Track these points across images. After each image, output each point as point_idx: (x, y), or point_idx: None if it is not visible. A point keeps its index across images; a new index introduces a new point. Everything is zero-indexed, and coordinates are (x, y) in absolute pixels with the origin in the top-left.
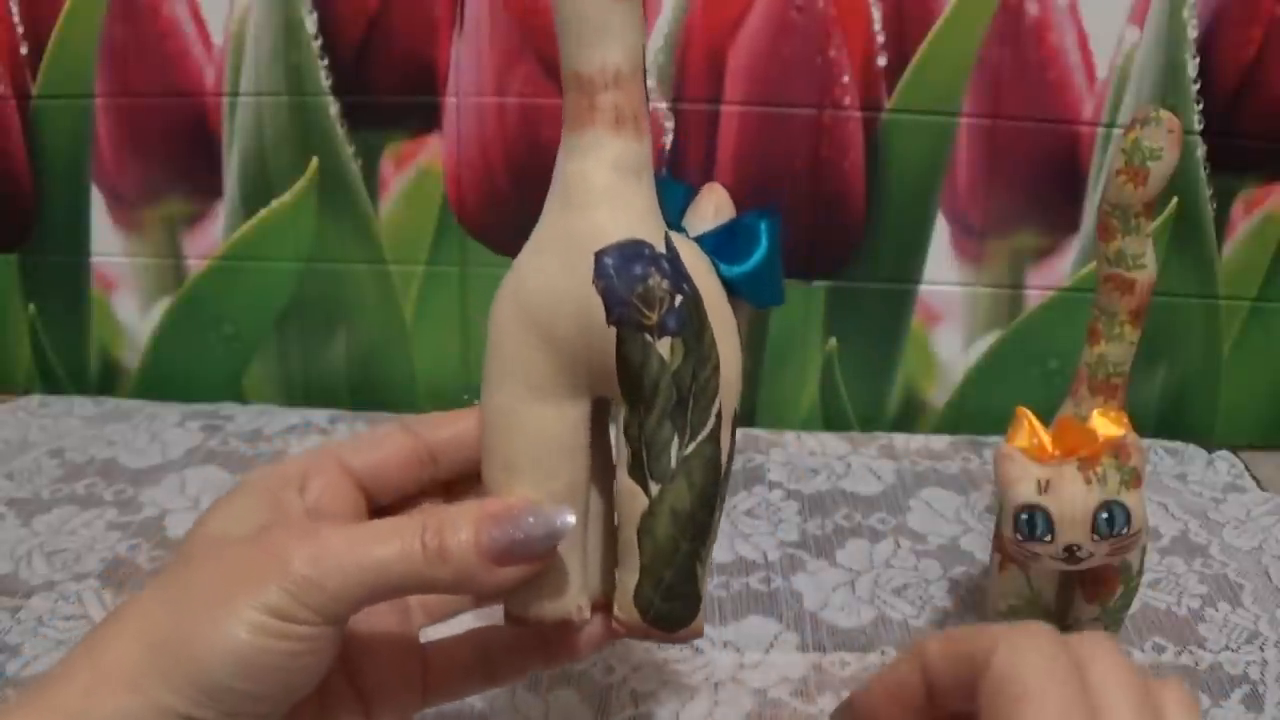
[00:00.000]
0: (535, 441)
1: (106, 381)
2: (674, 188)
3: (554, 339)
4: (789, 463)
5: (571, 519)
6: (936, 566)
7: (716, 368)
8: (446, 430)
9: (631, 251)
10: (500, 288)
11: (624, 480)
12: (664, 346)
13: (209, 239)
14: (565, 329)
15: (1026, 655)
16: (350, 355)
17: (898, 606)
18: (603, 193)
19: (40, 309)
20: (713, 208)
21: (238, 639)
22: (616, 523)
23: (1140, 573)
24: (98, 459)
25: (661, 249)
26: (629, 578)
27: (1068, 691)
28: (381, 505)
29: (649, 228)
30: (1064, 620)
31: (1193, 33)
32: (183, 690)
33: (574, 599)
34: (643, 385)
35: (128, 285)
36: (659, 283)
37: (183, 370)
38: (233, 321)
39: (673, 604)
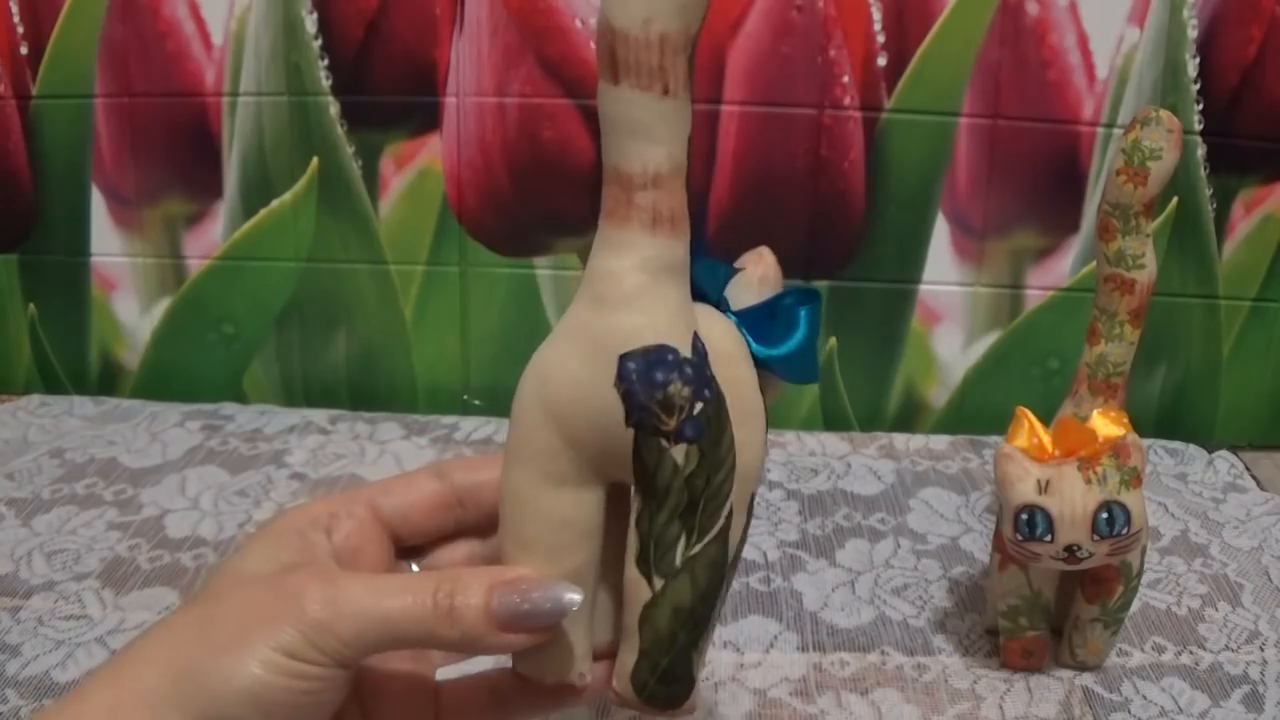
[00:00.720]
0: (549, 525)
1: (106, 381)
2: (716, 266)
3: (573, 432)
4: (789, 463)
5: (578, 599)
6: (936, 566)
7: (732, 469)
8: (476, 475)
9: (655, 357)
10: (525, 372)
11: (630, 568)
12: (679, 452)
13: (209, 239)
14: (584, 424)
15: None
16: (350, 355)
17: (898, 606)
18: (633, 294)
19: (40, 309)
20: (758, 277)
21: (251, 675)
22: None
23: (1140, 573)
24: (98, 459)
25: (687, 352)
26: (628, 656)
27: None
28: (410, 547)
29: (677, 330)
30: (1064, 620)
31: (1193, 33)
32: (197, 719)
33: (576, 667)
34: (656, 486)
35: (128, 285)
36: (679, 390)
37: (183, 370)
38: (233, 321)
39: (668, 687)
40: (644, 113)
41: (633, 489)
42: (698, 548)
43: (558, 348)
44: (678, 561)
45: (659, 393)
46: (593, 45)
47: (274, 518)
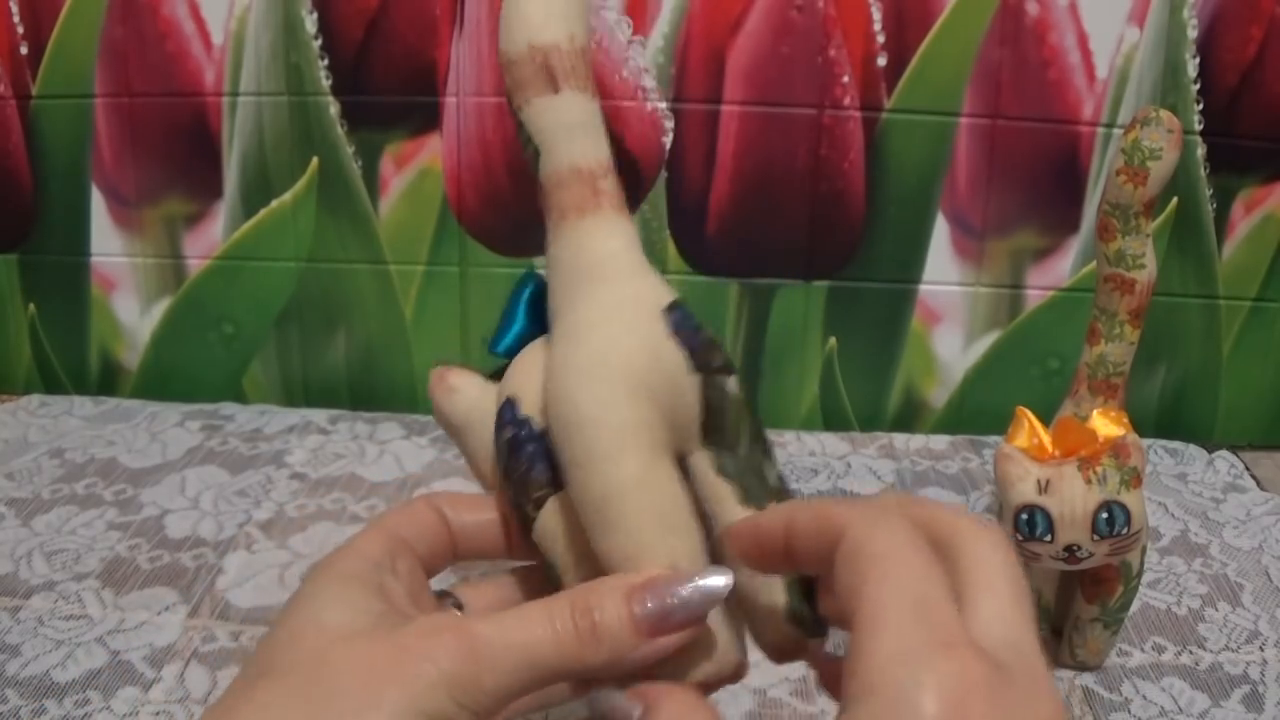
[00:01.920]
0: (675, 498)
1: (106, 381)
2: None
3: (656, 397)
4: (789, 463)
5: (728, 578)
6: None
7: None
8: (464, 517)
9: (683, 307)
10: (565, 372)
11: (740, 513)
12: (733, 384)
13: (209, 239)
14: (661, 386)
15: (881, 524)
16: (350, 355)
17: None
18: (638, 264)
19: (40, 309)
20: None
21: None
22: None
23: (1140, 573)
24: (98, 459)
25: None
26: (776, 599)
27: (924, 554)
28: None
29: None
30: (1064, 620)
31: (1193, 33)
32: None
33: (735, 649)
34: (727, 422)
35: (128, 285)
36: (707, 331)
37: (183, 370)
38: (233, 321)
39: (813, 609)
40: (585, 113)
41: (696, 448)
42: (779, 464)
43: (599, 335)
44: (773, 481)
45: (702, 334)
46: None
47: (332, 562)
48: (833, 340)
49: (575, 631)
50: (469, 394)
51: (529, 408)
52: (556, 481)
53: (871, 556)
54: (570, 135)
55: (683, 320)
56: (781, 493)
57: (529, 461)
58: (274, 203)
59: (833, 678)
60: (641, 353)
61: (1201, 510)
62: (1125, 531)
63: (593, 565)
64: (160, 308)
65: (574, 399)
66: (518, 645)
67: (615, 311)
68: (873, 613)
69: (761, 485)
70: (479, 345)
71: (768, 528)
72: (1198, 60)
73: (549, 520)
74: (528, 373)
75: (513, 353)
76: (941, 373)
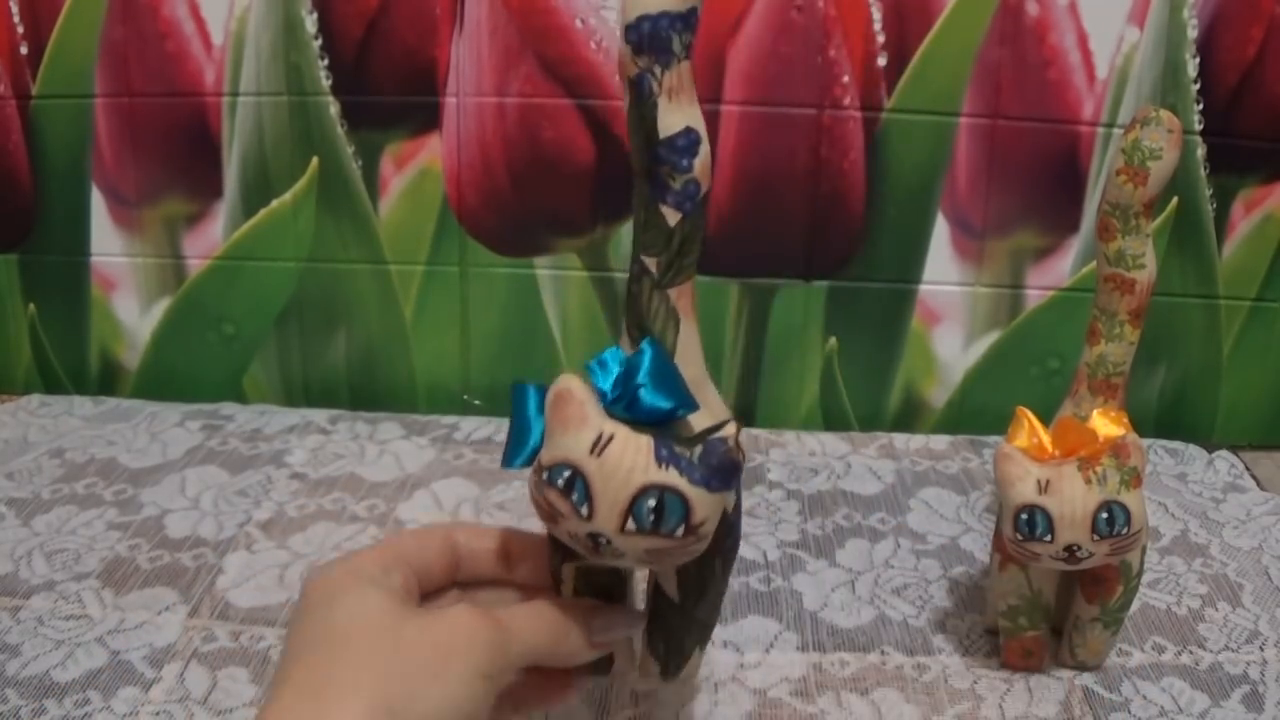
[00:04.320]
0: None
1: (106, 381)
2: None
3: None
4: (789, 463)
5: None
6: (936, 566)
7: None
8: (478, 544)
9: None
10: None
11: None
12: None
13: (209, 239)
14: None
15: None
16: (350, 355)
17: (898, 606)
18: None
19: (40, 309)
20: None
21: (458, 695)
22: None
23: (1140, 573)
24: (98, 459)
25: None
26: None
27: None
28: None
29: None
30: (1064, 620)
31: (1193, 33)
32: None
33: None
34: None
35: (128, 285)
36: None
37: (183, 370)
38: (233, 321)
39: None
40: None
41: None
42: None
43: None
44: None
45: None
46: (594, 45)
47: (345, 570)
48: (833, 340)
49: (560, 629)
50: None
51: None
52: None
53: None
54: None
55: None
56: None
57: None
58: (274, 203)
59: None
60: None
61: (1201, 510)
62: (1125, 531)
63: None
64: (160, 308)
65: None
66: (528, 630)
67: None
68: None
69: None
70: (479, 345)
71: None
72: (1198, 60)
73: None
74: None
75: (528, 464)
76: (941, 373)
